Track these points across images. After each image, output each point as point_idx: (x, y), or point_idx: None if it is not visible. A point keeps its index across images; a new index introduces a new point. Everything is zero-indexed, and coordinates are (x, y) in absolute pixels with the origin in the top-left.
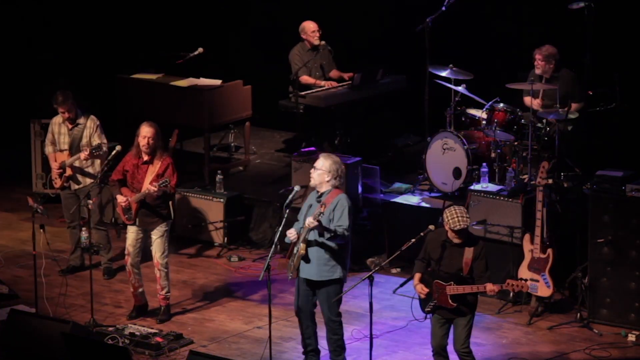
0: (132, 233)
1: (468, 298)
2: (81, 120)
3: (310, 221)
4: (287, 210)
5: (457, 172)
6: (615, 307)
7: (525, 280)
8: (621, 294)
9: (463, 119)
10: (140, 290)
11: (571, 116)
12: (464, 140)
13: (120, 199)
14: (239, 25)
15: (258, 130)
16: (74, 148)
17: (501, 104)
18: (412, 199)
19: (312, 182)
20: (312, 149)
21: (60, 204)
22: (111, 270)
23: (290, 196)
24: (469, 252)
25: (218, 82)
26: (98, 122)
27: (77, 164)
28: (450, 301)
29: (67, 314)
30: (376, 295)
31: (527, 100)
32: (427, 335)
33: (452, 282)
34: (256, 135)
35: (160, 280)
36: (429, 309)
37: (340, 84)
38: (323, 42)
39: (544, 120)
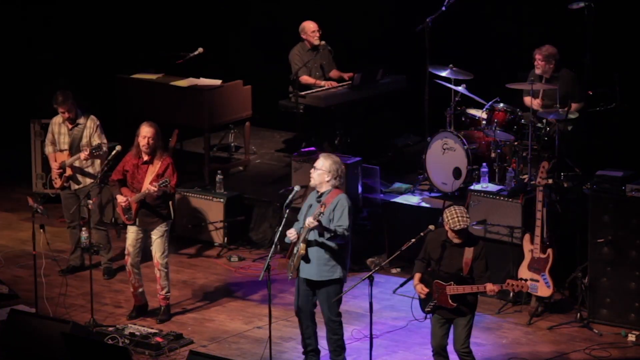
0: (132, 233)
1: (468, 298)
2: (81, 120)
3: (310, 221)
4: (287, 210)
5: (457, 172)
6: (615, 307)
7: (525, 280)
8: (621, 294)
9: (463, 119)
10: (140, 290)
11: (571, 116)
12: (464, 140)
13: (120, 199)
14: (239, 25)
15: (258, 130)
16: (74, 148)
17: (501, 104)
18: (412, 199)
19: (312, 182)
20: (312, 149)
21: (60, 204)
22: (111, 270)
23: (290, 196)
24: (469, 252)
25: (218, 82)
26: (98, 122)
27: (77, 164)
28: (450, 301)
29: (67, 314)
30: (376, 295)
31: (527, 100)
32: (427, 335)
33: (452, 282)
34: (256, 135)
35: (160, 280)
36: (429, 309)
37: (340, 84)
38: (323, 42)
39: (544, 120)
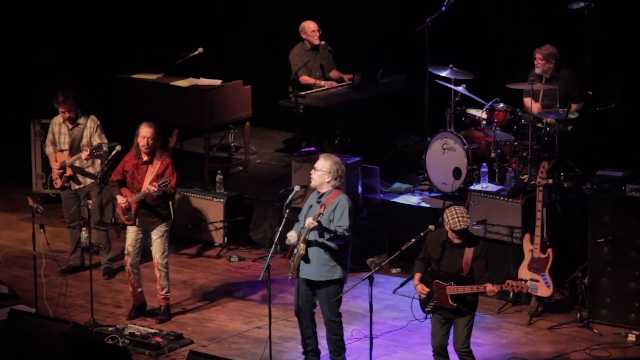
0: (131, 233)
1: (468, 298)
2: (81, 120)
3: (309, 222)
4: (287, 210)
5: (457, 172)
6: (615, 307)
7: (525, 280)
8: (621, 294)
9: (463, 119)
10: (140, 290)
11: (571, 116)
12: (464, 140)
13: (120, 199)
14: (239, 25)
15: (258, 130)
16: (75, 148)
17: (501, 104)
18: (412, 199)
19: (313, 184)
20: (312, 149)
21: (60, 204)
22: (111, 270)
23: (290, 196)
24: (469, 253)
25: (218, 82)
26: (98, 122)
27: (77, 164)
28: (450, 301)
29: (67, 314)
30: (376, 295)
31: (527, 101)
32: (427, 335)
33: (452, 282)
34: (256, 135)
35: (160, 280)
36: (429, 309)
37: (340, 84)
38: (323, 42)
39: (544, 120)
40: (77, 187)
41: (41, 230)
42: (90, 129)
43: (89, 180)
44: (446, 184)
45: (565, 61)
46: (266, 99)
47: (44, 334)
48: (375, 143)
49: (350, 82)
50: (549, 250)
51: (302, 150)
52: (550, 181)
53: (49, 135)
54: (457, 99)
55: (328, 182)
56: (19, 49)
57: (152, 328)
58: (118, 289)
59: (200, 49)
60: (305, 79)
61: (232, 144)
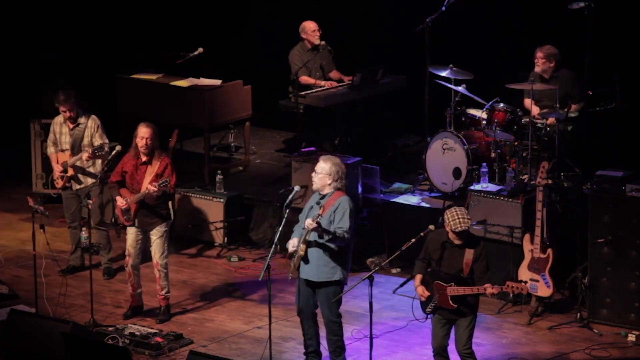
0: (132, 234)
1: (469, 299)
2: (82, 120)
3: (309, 222)
4: (287, 210)
5: (457, 172)
6: (615, 307)
7: (525, 282)
8: (621, 294)
9: (463, 119)
10: (139, 291)
11: (572, 115)
12: (464, 140)
13: (120, 200)
14: (239, 25)
15: (258, 130)
16: (76, 148)
17: (501, 104)
18: (412, 199)
19: (314, 187)
20: (312, 149)
21: (60, 204)
22: (111, 270)
23: (290, 196)
24: (469, 254)
25: (218, 82)
26: (99, 122)
27: (78, 164)
28: (450, 302)
29: (67, 314)
30: (376, 295)
31: (528, 102)
32: (427, 335)
33: (453, 283)
34: (256, 135)
35: (159, 280)
36: (429, 310)
37: (340, 84)
38: (323, 42)
39: (544, 121)
40: (78, 187)
41: (41, 230)
42: (91, 128)
43: (90, 180)
44: (446, 184)
45: (565, 61)
46: (266, 99)
47: (44, 334)
48: (375, 143)
49: (350, 82)
50: (549, 250)
51: (302, 150)
52: (550, 181)
53: (50, 135)
54: (457, 99)
55: (329, 184)
56: (19, 49)
57: (152, 328)
58: (118, 289)
59: (200, 49)
60: (305, 79)
61: (232, 144)
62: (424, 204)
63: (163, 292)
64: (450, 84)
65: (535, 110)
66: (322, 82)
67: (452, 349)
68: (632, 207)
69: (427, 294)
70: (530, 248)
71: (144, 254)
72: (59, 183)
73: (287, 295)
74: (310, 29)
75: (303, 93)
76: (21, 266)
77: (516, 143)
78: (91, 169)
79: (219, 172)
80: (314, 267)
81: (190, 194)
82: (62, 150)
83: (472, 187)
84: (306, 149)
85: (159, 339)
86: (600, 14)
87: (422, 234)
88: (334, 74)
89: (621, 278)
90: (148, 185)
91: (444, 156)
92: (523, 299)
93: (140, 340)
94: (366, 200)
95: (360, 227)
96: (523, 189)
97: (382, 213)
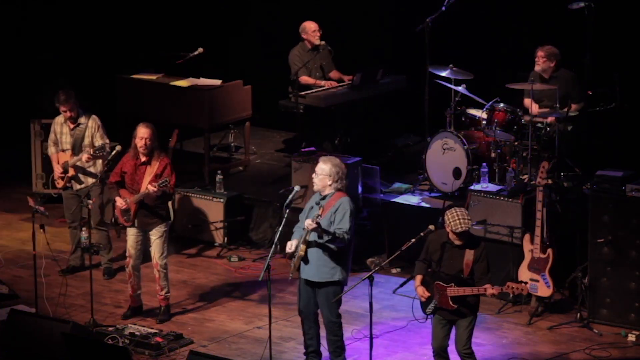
0: (132, 235)
1: (469, 299)
2: (82, 120)
3: (309, 223)
4: (287, 210)
5: (457, 172)
6: (615, 307)
7: (525, 283)
8: (621, 294)
9: (463, 119)
10: (139, 292)
11: (572, 114)
12: (464, 140)
13: (119, 201)
14: (239, 25)
15: (258, 130)
16: (77, 148)
17: (501, 104)
18: (412, 199)
19: (315, 188)
20: (312, 149)
21: (60, 204)
22: (111, 270)
23: (290, 196)
24: (469, 254)
25: (218, 82)
26: (99, 122)
27: (79, 164)
28: (451, 302)
29: (67, 314)
30: (376, 295)
31: (527, 102)
32: (427, 335)
33: (453, 284)
34: (256, 135)
35: (159, 280)
36: (429, 311)
37: (340, 84)
38: (323, 42)
39: (544, 120)
40: (78, 187)
41: (41, 230)
42: (92, 129)
43: (90, 180)
44: (446, 184)
45: (565, 61)
46: (266, 99)
47: (44, 334)
48: (375, 143)
49: (350, 82)
50: (549, 250)
51: (302, 150)
52: (550, 181)
53: (51, 135)
54: (457, 99)
55: (330, 185)
56: (19, 49)
57: (152, 328)
58: (118, 289)
59: (200, 49)
60: (305, 79)
61: (232, 144)
62: (424, 204)
63: (163, 292)
64: (450, 84)
65: (535, 108)
66: (322, 82)
67: (452, 349)
68: (632, 207)
69: (427, 294)
70: (530, 248)
71: (144, 255)
72: (60, 183)
73: (287, 295)
74: (310, 29)
75: (303, 93)
76: (21, 266)
77: (516, 143)
78: (92, 169)
79: (219, 172)
80: (313, 268)
81: (190, 194)
82: (63, 150)
83: (472, 187)
84: (306, 149)
85: (159, 339)
86: (600, 14)
87: (422, 234)
88: (334, 74)
89: (621, 278)
90: (148, 186)
91: (444, 156)
92: (523, 299)
93: (140, 340)
94: (366, 200)
95: (360, 227)
96: (523, 189)
97: (382, 213)
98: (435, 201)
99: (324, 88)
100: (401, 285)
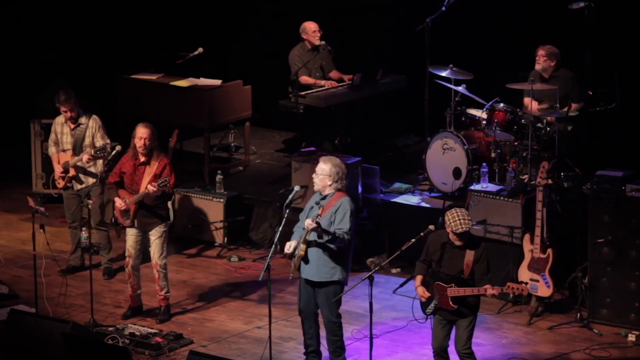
0: (131, 235)
1: (469, 300)
2: (83, 120)
3: (308, 223)
4: (287, 210)
5: (457, 172)
6: (615, 307)
7: (526, 283)
8: (621, 294)
9: (463, 119)
10: (139, 292)
11: (572, 114)
12: (464, 140)
13: (118, 202)
14: (239, 25)
15: (258, 130)
16: (77, 148)
17: (501, 104)
18: (412, 199)
19: (315, 188)
20: (312, 149)
21: (60, 204)
22: (111, 270)
23: (290, 196)
24: (470, 255)
25: (218, 82)
26: (100, 122)
27: (79, 164)
28: (451, 303)
29: (67, 314)
30: (376, 295)
31: (527, 101)
32: (427, 335)
33: (453, 284)
34: (256, 135)
35: (159, 280)
36: (430, 311)
37: (340, 84)
38: (323, 42)
39: (544, 120)
40: (79, 187)
41: (41, 230)
42: (92, 129)
43: (91, 180)
44: (446, 184)
45: (565, 61)
46: (266, 99)
47: (44, 334)
48: (375, 143)
49: (350, 82)
50: (549, 250)
51: (302, 150)
52: (550, 181)
53: (52, 136)
54: (457, 99)
55: (330, 185)
56: (19, 49)
57: (152, 328)
58: (118, 289)
59: (200, 49)
60: (305, 79)
61: (232, 144)
62: (424, 204)
63: (163, 292)
64: (450, 84)
65: (535, 105)
66: (322, 82)
67: (452, 349)
68: (632, 207)
69: (427, 294)
70: (530, 248)
71: (143, 255)
72: (60, 183)
73: (287, 295)
74: (310, 29)
75: (303, 93)
76: (21, 266)
77: (516, 143)
78: (92, 169)
79: (219, 172)
80: (313, 267)
81: (190, 194)
82: (64, 151)
83: (472, 187)
84: (306, 149)
85: (159, 339)
86: (600, 14)
87: (422, 234)
88: (334, 74)
89: (621, 278)
90: (147, 186)
91: (444, 156)
92: (523, 299)
93: (140, 340)
94: (366, 200)
95: (360, 227)
96: (523, 189)
97: (382, 213)
98: (435, 201)
99: (324, 88)
100: (401, 285)
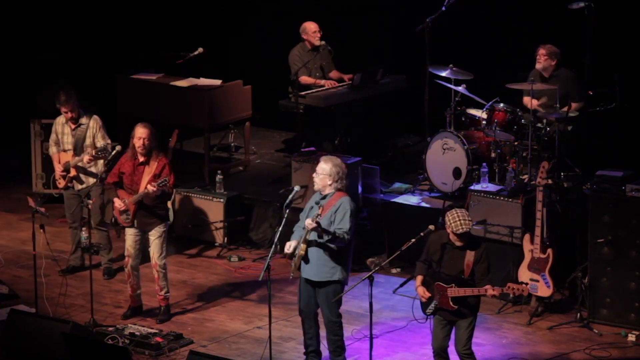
0: (131, 235)
1: (469, 300)
2: (83, 120)
3: (308, 222)
4: (287, 210)
5: (457, 172)
6: (615, 307)
7: (526, 284)
8: (621, 294)
9: (463, 119)
10: (138, 292)
11: (571, 114)
12: (464, 140)
13: (118, 202)
14: (239, 25)
15: (258, 130)
16: (78, 148)
17: (501, 104)
18: (412, 199)
19: (316, 187)
20: (312, 149)
21: (60, 204)
22: (111, 270)
23: (290, 196)
24: (470, 255)
25: (218, 82)
26: (101, 123)
27: (80, 164)
28: (451, 303)
29: (67, 314)
30: (376, 295)
31: (526, 100)
32: (427, 335)
33: (454, 285)
34: (256, 135)
35: (158, 280)
36: (430, 311)
37: (340, 84)
38: (323, 42)
39: (544, 120)
40: (80, 187)
41: (41, 230)
42: (93, 129)
43: (91, 180)
44: (446, 184)
45: (565, 61)
46: (266, 99)
47: (44, 334)
48: (375, 143)
49: (350, 82)
50: (549, 250)
51: (302, 150)
52: (550, 181)
53: (52, 136)
54: (457, 99)
55: (330, 185)
56: (19, 49)
57: (152, 328)
58: (118, 289)
59: (200, 49)
60: (305, 79)
61: (232, 144)
62: (424, 204)
63: (162, 292)
64: (450, 84)
65: (534, 103)
66: (322, 82)
67: (452, 349)
68: (632, 207)
69: (428, 295)
70: (530, 248)
71: (143, 255)
72: (61, 183)
73: (287, 295)
74: (311, 29)
75: (303, 93)
76: (21, 266)
77: (516, 143)
78: (93, 169)
79: (219, 172)
80: (314, 267)
81: (190, 194)
82: (65, 151)
83: (472, 187)
84: (306, 149)
85: (159, 339)
86: (600, 14)
87: (422, 234)
88: (334, 73)
89: (621, 278)
90: (147, 185)
91: (444, 156)
92: (523, 299)
93: (140, 340)
94: (366, 200)
95: (360, 227)
96: (523, 189)
97: (382, 213)
98: (435, 201)
99: (324, 88)
100: (401, 285)
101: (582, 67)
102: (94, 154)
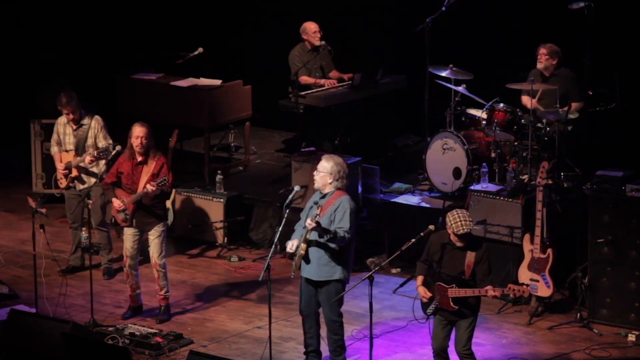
0: (129, 235)
1: (470, 300)
2: (85, 121)
3: (308, 222)
4: (287, 210)
5: (457, 172)
6: (615, 307)
7: (527, 285)
8: (621, 294)
9: (463, 119)
10: (138, 292)
11: (571, 116)
12: (464, 140)
13: (116, 202)
14: (239, 25)
15: (258, 130)
16: (80, 148)
17: (501, 104)
18: (412, 199)
19: (316, 185)
20: (312, 149)
21: (61, 204)
22: (111, 270)
23: (290, 196)
24: (471, 256)
25: (218, 82)
26: (102, 123)
27: (81, 165)
28: (451, 303)
29: (67, 314)
30: (376, 295)
31: (525, 99)
32: (427, 335)
33: (454, 285)
34: (256, 135)
35: (158, 280)
36: (430, 311)
37: (340, 84)
38: (323, 42)
39: (544, 120)
40: (81, 187)
41: (41, 230)
42: (95, 129)
43: (93, 180)
44: (446, 184)
45: (565, 61)
46: (266, 99)
47: (44, 334)
48: (375, 143)
49: (350, 82)
50: (549, 250)
51: (302, 150)
52: (550, 181)
53: (54, 136)
54: (457, 99)
55: (330, 184)
56: (19, 49)
57: (152, 328)
58: (118, 289)
59: (200, 49)
60: (305, 79)
61: (232, 144)
62: (424, 204)
63: (162, 292)
64: (450, 84)
65: (533, 102)
66: (322, 81)
67: (452, 349)
68: (632, 207)
69: (428, 295)
70: (530, 248)
71: (143, 255)
72: (63, 182)
73: (287, 295)
74: (311, 30)
75: (303, 93)
76: (21, 266)
77: (516, 143)
78: (94, 169)
79: (219, 172)
80: (314, 266)
81: (190, 194)
82: (66, 151)
83: (472, 187)
84: (306, 149)
85: (159, 339)
86: (600, 14)
87: (422, 234)
88: (334, 74)
89: (621, 278)
90: (147, 185)
91: (444, 156)
92: (523, 299)
93: (140, 340)
94: (366, 200)
95: (360, 227)
96: (523, 189)
97: (382, 213)
98: (435, 201)
99: (324, 88)
100: (401, 285)
101: (582, 67)
102: (95, 154)
